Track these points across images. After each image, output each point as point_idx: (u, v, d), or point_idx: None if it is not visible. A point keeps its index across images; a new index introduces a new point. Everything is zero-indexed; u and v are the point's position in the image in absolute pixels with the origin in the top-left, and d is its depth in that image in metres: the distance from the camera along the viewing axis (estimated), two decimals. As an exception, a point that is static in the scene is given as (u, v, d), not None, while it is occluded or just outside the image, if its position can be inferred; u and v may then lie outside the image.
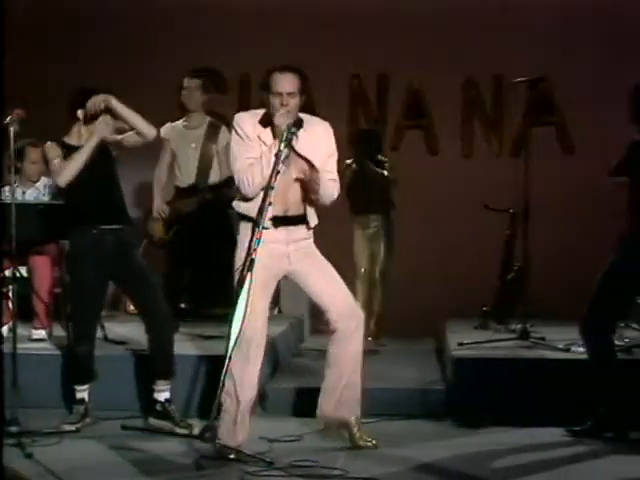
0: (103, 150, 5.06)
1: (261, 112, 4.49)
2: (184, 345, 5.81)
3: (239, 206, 4.53)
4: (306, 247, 4.55)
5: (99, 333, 5.51)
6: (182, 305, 6.69)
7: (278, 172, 4.30)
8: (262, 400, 5.51)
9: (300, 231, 4.53)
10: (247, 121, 4.47)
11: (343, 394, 4.62)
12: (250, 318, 4.27)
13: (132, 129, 5.01)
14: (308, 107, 7.84)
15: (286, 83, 4.39)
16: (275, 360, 6.03)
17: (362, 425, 4.72)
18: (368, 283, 6.71)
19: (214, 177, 6.40)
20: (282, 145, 4.29)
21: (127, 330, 6.19)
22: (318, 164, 4.45)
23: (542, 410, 5.20)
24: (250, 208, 4.44)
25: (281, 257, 4.47)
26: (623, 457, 4.60)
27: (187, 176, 6.41)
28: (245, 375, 4.46)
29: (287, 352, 6.45)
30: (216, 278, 6.44)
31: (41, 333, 6.05)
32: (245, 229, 4.48)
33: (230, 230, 6.22)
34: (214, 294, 6.69)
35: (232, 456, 4.45)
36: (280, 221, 4.47)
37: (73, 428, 5.06)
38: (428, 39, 7.74)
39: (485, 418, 5.07)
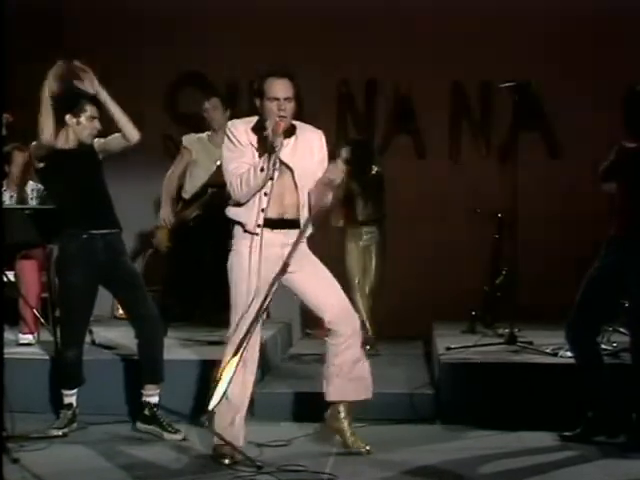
0: (90, 155, 5.05)
1: (254, 119, 4.48)
2: (179, 350, 5.84)
3: (229, 211, 4.54)
4: (301, 250, 4.52)
5: (87, 338, 5.47)
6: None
7: (271, 178, 4.33)
8: (251, 405, 5.51)
9: (294, 234, 4.48)
10: (240, 128, 4.46)
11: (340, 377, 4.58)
12: (244, 322, 4.34)
13: (117, 131, 4.99)
14: (296, 112, 7.94)
15: (282, 88, 4.38)
16: (264, 365, 5.91)
17: (355, 430, 4.72)
18: (360, 294, 6.57)
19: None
20: (272, 151, 4.30)
21: (115, 335, 6.18)
22: (310, 171, 4.46)
23: (530, 414, 5.20)
24: (240, 213, 4.46)
25: (276, 261, 4.43)
26: (613, 460, 4.60)
27: (195, 188, 6.37)
28: (239, 378, 4.44)
29: (276, 357, 6.45)
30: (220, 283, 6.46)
31: (28, 338, 6.03)
32: (238, 233, 4.50)
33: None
34: (220, 300, 6.67)
35: (227, 461, 4.45)
36: (276, 224, 4.46)
37: (60, 433, 5.04)
38: (416, 44, 7.73)
39: (473, 422, 5.06)
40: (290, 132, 4.43)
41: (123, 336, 5.92)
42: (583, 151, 7.32)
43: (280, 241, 4.46)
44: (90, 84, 4.88)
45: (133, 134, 4.95)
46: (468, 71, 7.75)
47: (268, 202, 4.38)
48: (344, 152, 6.19)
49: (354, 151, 6.59)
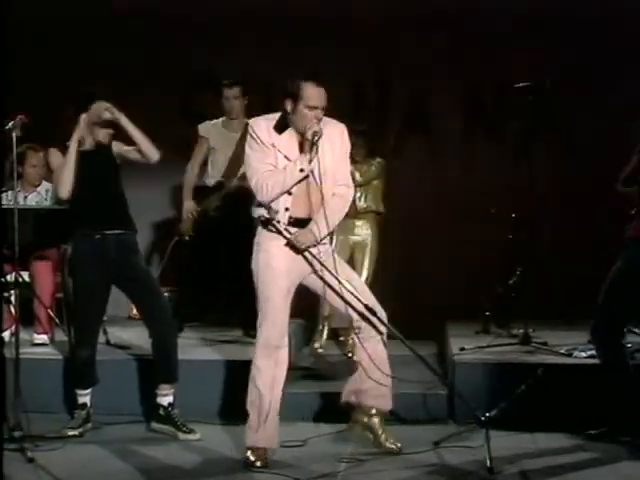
0: (107, 157, 5.07)
1: (276, 116, 4.47)
2: (194, 349, 5.86)
3: (255, 211, 4.54)
4: (326, 250, 4.53)
5: (102, 337, 5.54)
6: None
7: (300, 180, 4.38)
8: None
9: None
10: (262, 127, 4.45)
11: (367, 384, 4.59)
12: (272, 324, 4.41)
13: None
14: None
15: (321, 97, 4.38)
16: None
17: (386, 427, 4.73)
18: None
19: (240, 176, 6.26)
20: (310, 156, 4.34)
21: (130, 335, 6.21)
22: (332, 167, 4.46)
23: (545, 415, 5.20)
24: (265, 213, 4.47)
25: (301, 259, 4.46)
26: (630, 463, 4.58)
27: (218, 173, 6.34)
28: (269, 378, 4.48)
29: (291, 356, 6.41)
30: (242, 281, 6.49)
31: (43, 338, 6.06)
32: (264, 232, 4.48)
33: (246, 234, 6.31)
34: (232, 299, 6.71)
35: (258, 463, 4.47)
36: (303, 223, 4.45)
37: (76, 433, 5.08)
38: (429, 44, 7.68)
39: (487, 423, 5.04)
40: (320, 133, 4.41)
41: (138, 336, 5.95)
42: (599, 151, 7.36)
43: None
44: (110, 113, 4.96)
45: (153, 154, 5.01)
46: (483, 71, 7.68)
47: (292, 201, 4.40)
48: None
49: (354, 140, 6.47)
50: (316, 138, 4.32)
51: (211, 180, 6.38)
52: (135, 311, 6.06)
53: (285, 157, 4.42)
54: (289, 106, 4.42)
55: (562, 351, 5.65)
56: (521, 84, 6.09)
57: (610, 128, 7.37)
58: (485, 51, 7.62)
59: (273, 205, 4.44)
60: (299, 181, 4.40)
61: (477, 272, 7.23)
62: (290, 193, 4.40)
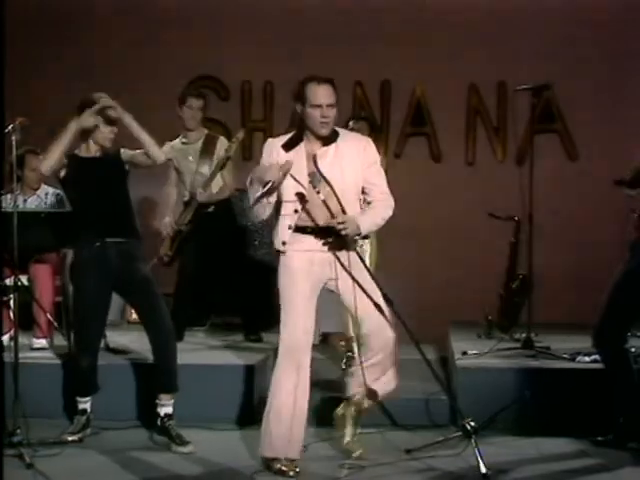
0: (114, 163, 5.06)
1: (289, 135, 4.49)
2: (199, 354, 5.91)
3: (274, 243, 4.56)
4: (350, 254, 4.48)
5: (101, 342, 5.48)
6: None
7: (302, 197, 4.38)
8: (262, 411, 5.51)
9: (343, 241, 4.45)
10: (271, 146, 4.48)
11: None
12: (293, 328, 4.39)
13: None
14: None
15: (325, 94, 4.37)
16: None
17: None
18: None
19: (217, 189, 6.40)
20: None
21: (129, 339, 6.19)
22: (352, 179, 4.44)
23: (547, 420, 5.21)
24: (275, 231, 4.51)
25: (323, 264, 4.47)
26: (633, 469, 4.58)
27: (190, 190, 6.41)
28: (290, 387, 4.44)
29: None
30: (231, 288, 6.53)
31: (42, 342, 6.05)
32: (282, 260, 4.49)
33: (238, 241, 6.35)
34: (233, 303, 6.74)
35: (277, 466, 4.46)
36: (323, 232, 4.45)
37: (75, 438, 5.07)
38: (431, 45, 7.70)
39: (490, 428, 5.04)
40: (331, 139, 4.44)
41: (136, 341, 5.94)
42: (601, 153, 7.39)
43: (325, 246, 4.46)
44: (114, 112, 4.95)
45: (158, 154, 5.00)
46: (484, 72, 7.70)
47: (297, 218, 4.42)
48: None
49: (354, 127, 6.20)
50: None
51: (185, 197, 6.43)
52: (134, 316, 6.07)
53: (290, 175, 4.38)
54: (299, 110, 4.43)
55: (565, 356, 5.65)
56: (523, 86, 6.08)
57: (614, 129, 7.38)
58: (487, 51, 7.63)
59: (281, 222, 4.46)
60: (269, 192, 4.33)
61: (479, 275, 7.23)
62: (296, 211, 4.38)
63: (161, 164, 5.11)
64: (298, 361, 4.42)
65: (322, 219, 4.43)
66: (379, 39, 7.75)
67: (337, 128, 4.50)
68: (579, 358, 5.54)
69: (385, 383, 4.63)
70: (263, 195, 4.32)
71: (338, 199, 4.37)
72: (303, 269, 4.43)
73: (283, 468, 4.44)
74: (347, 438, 4.73)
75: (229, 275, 6.43)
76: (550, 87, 6.39)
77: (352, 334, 5.81)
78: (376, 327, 4.47)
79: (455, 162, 7.88)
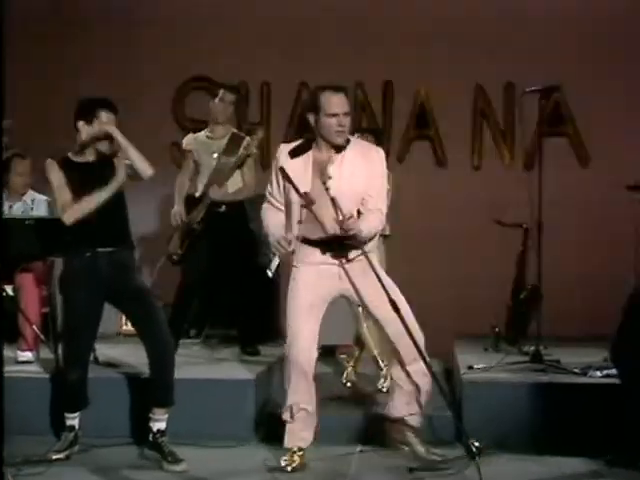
0: (109, 170, 5.03)
1: (297, 142, 4.68)
2: (194, 368, 5.91)
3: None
4: (362, 264, 4.58)
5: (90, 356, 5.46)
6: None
7: (306, 206, 4.53)
8: (259, 427, 5.55)
9: (354, 251, 4.60)
10: (282, 152, 4.67)
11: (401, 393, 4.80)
12: (294, 340, 4.62)
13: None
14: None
15: (340, 103, 4.53)
16: (274, 384, 5.98)
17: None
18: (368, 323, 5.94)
19: (235, 189, 6.41)
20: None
21: (120, 352, 6.17)
22: (356, 188, 4.58)
23: (557, 438, 5.20)
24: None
25: (331, 277, 4.63)
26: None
27: (203, 185, 6.43)
28: (303, 389, 4.73)
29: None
30: (232, 298, 6.55)
31: (27, 355, 6.03)
32: (297, 257, 4.67)
33: (247, 246, 6.39)
34: (229, 315, 6.77)
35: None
36: (331, 241, 4.58)
37: (61, 456, 5.06)
38: (436, 45, 7.71)
39: (496, 446, 5.03)
40: (343, 146, 4.59)
41: (128, 353, 5.94)
42: (615, 158, 7.38)
43: (335, 258, 4.61)
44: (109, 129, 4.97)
45: (146, 171, 4.99)
46: (491, 73, 7.71)
47: (321, 218, 4.54)
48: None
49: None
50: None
51: (197, 191, 6.45)
52: (125, 327, 6.06)
53: (290, 183, 4.55)
54: (312, 120, 4.57)
55: (576, 370, 5.64)
56: (532, 88, 6.07)
57: (627, 133, 7.39)
58: (493, 51, 7.63)
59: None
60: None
61: (486, 286, 7.22)
62: (300, 222, 4.56)
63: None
64: (302, 367, 4.67)
65: (329, 230, 4.56)
66: (380, 38, 7.76)
67: (351, 137, 4.69)
68: (591, 372, 5.52)
69: (427, 391, 4.79)
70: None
71: (341, 212, 4.51)
72: (308, 282, 4.61)
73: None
74: (420, 448, 4.82)
75: (233, 282, 6.43)
76: (560, 88, 6.45)
77: (373, 349, 6.02)
78: (401, 331, 4.54)
79: (460, 167, 7.87)
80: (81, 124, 4.98)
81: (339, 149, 4.58)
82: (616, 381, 5.03)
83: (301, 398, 4.72)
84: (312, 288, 4.60)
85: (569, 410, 5.28)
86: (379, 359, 6.04)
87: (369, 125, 7.76)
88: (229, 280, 6.42)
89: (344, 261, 4.61)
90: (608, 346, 4.95)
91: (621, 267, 5.06)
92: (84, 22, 7.87)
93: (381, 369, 6.02)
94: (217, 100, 6.45)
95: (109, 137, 4.98)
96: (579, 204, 7.47)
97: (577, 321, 6.89)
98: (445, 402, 4.82)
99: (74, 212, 4.93)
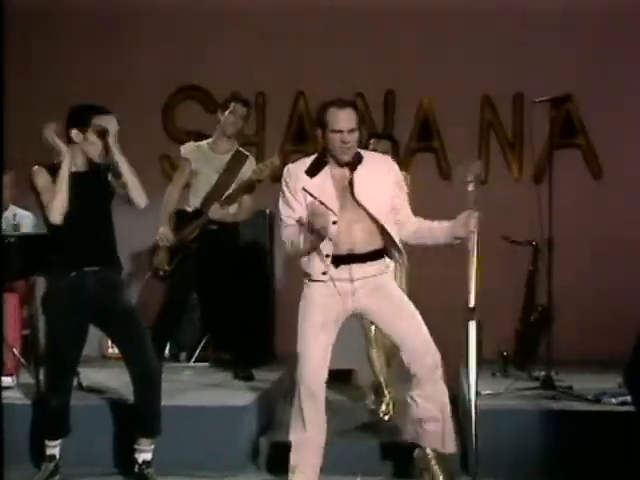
0: (99, 180, 4.99)
1: (311, 159, 4.71)
2: (184, 394, 5.88)
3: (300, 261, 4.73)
4: (376, 282, 4.69)
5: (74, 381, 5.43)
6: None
7: (334, 222, 4.58)
8: (255, 456, 5.54)
9: (368, 268, 4.68)
10: (292, 173, 4.69)
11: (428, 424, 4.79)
12: (305, 362, 4.64)
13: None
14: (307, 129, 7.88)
15: (346, 119, 4.57)
16: (269, 411, 6.04)
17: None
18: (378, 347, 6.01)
19: (233, 210, 6.42)
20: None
21: (104, 376, 6.16)
22: (381, 202, 4.69)
23: (569, 469, 5.18)
24: (304, 262, 4.69)
25: (344, 295, 4.67)
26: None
27: (198, 200, 6.42)
28: (313, 422, 4.69)
29: (284, 402, 6.33)
30: (223, 319, 6.55)
31: (7, 380, 5.98)
32: (306, 281, 4.72)
33: (237, 268, 6.41)
34: (219, 337, 6.82)
35: None
36: (344, 260, 4.64)
37: (41, 487, 5.01)
38: (440, 52, 7.75)
39: (506, 477, 4.99)
40: (356, 163, 4.65)
41: (113, 378, 5.90)
42: (629, 171, 7.42)
43: (348, 276, 4.66)
44: (111, 140, 4.92)
45: (140, 200, 4.97)
46: (499, 82, 7.73)
47: (332, 247, 4.60)
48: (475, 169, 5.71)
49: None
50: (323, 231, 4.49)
51: (191, 206, 6.43)
52: (110, 350, 6.02)
53: (319, 201, 4.60)
54: (320, 135, 4.64)
55: (589, 397, 5.63)
56: (542, 98, 6.08)
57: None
58: (501, 59, 7.67)
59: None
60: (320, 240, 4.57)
61: (493, 307, 7.06)
62: (331, 239, 4.59)
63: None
64: (311, 390, 4.66)
65: (343, 247, 4.62)
66: (382, 45, 7.79)
67: (360, 150, 4.72)
68: (605, 399, 5.52)
69: (445, 420, 4.79)
70: (312, 244, 4.56)
71: (377, 221, 4.65)
72: (320, 301, 4.66)
73: None
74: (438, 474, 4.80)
75: (224, 303, 6.43)
76: (571, 98, 6.46)
77: (381, 373, 6.02)
78: (420, 347, 4.67)
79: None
80: (74, 132, 4.93)
81: (353, 165, 4.65)
82: (632, 408, 4.98)
83: (310, 426, 4.71)
84: (323, 307, 4.66)
85: (582, 439, 5.26)
86: (384, 385, 6.03)
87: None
88: (220, 301, 6.41)
89: (358, 277, 4.66)
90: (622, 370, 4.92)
91: (637, 287, 5.01)
92: (69, 26, 7.92)
93: (384, 395, 6.00)
94: (227, 113, 6.41)
95: (104, 141, 4.93)
96: (592, 220, 7.49)
97: (590, 344, 6.89)
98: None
99: (55, 207, 4.87)
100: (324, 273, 4.61)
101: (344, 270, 4.64)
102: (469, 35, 7.71)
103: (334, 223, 4.57)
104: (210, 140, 6.50)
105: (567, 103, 7.07)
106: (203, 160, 6.41)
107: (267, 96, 8.01)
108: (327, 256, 4.60)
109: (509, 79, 7.69)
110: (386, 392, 6.02)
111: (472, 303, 4.79)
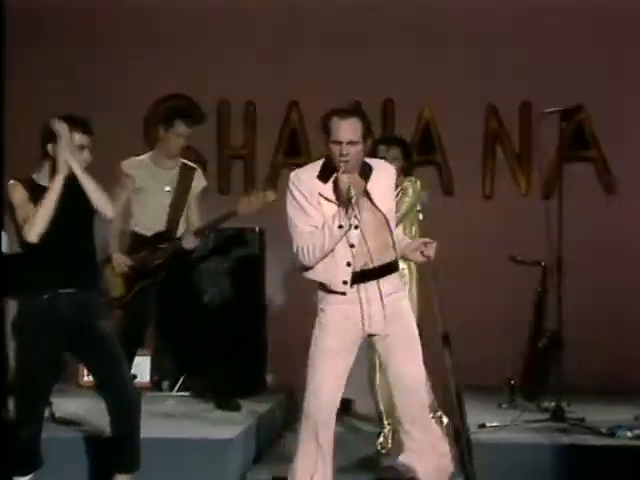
0: (78, 195, 4.91)
1: (319, 164, 4.71)
2: (163, 426, 5.86)
3: (308, 273, 4.69)
4: (394, 305, 4.68)
5: (46, 411, 5.40)
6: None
7: (356, 227, 4.59)
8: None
9: (385, 284, 4.66)
10: (304, 179, 4.67)
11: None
12: (313, 392, 4.62)
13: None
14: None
15: (348, 131, 4.58)
16: (257, 446, 6.00)
17: None
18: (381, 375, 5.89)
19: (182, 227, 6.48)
20: (348, 212, 4.55)
21: (78, 407, 6.14)
22: (392, 215, 4.72)
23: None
24: (320, 271, 4.65)
25: (359, 319, 4.65)
26: None
27: (154, 222, 6.41)
28: (311, 460, 4.65)
29: (273, 436, 6.43)
30: (189, 348, 6.55)
31: (-30, 411, 5.94)
32: (322, 295, 4.68)
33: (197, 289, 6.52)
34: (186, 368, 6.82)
35: None
36: (359, 278, 4.63)
37: (8, 527, 5.00)
38: (442, 58, 7.73)
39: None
40: (367, 173, 4.68)
41: (88, 409, 5.85)
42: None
43: (364, 296, 4.64)
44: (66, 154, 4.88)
45: (107, 210, 4.94)
46: (505, 91, 7.72)
47: (354, 255, 4.60)
48: (425, 197, 6.10)
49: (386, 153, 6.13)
50: (349, 192, 4.51)
51: (146, 229, 6.41)
52: (85, 378, 6.13)
53: (337, 205, 4.61)
54: (326, 142, 4.66)
55: (603, 430, 5.60)
56: (552, 109, 6.06)
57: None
58: (508, 66, 7.64)
59: (329, 260, 4.61)
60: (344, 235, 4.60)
61: (499, 332, 7.21)
62: (352, 245, 4.59)
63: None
64: (316, 435, 4.65)
65: (357, 264, 4.61)
66: (380, 51, 7.75)
67: (368, 160, 4.74)
68: (620, 433, 5.48)
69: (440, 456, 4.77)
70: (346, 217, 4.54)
71: (384, 234, 4.65)
72: (333, 326, 4.64)
73: None
74: None
75: (193, 329, 6.44)
76: (583, 108, 6.45)
77: (381, 404, 6.03)
78: (411, 393, 4.67)
79: (470, 195, 7.86)
80: (50, 147, 4.90)
81: (363, 176, 4.66)
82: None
83: (311, 465, 4.67)
84: (338, 332, 4.64)
85: (595, 477, 5.23)
86: (383, 415, 6.02)
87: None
88: (189, 326, 6.41)
89: (376, 298, 4.65)
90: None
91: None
92: (47, 30, 7.89)
93: (384, 427, 6.00)
94: (171, 134, 6.41)
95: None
96: (605, 238, 7.47)
97: (604, 372, 6.87)
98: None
99: (37, 224, 4.83)
100: (345, 282, 4.58)
101: (360, 290, 4.63)
102: (473, 40, 7.71)
103: (356, 227, 4.57)
104: (151, 154, 6.53)
105: (578, 114, 7.05)
106: (148, 176, 6.42)
107: (257, 105, 7.99)
108: (348, 264, 4.58)
109: (516, 87, 7.68)
110: (385, 423, 6.01)
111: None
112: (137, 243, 6.42)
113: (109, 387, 5.01)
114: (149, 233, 6.41)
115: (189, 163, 6.55)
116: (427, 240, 4.76)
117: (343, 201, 4.54)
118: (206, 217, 6.42)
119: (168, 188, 6.39)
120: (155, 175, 6.42)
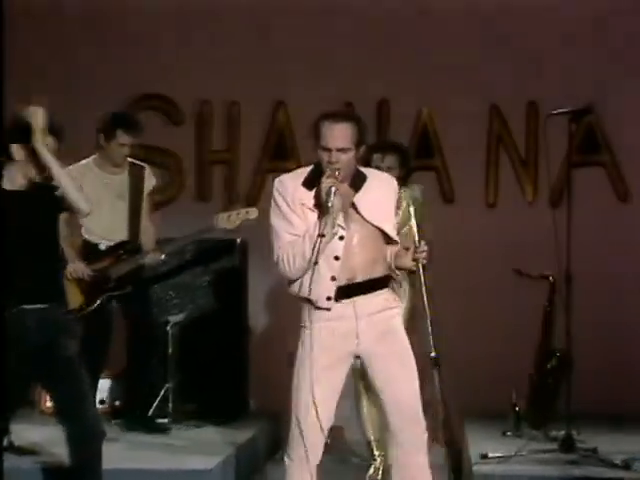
0: (46, 199, 4.81)
1: (306, 170, 4.66)
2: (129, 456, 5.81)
3: (291, 287, 4.66)
4: (385, 322, 4.61)
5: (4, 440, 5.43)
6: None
7: (341, 238, 4.53)
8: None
9: (374, 300, 4.60)
10: (288, 186, 4.62)
11: None
12: (297, 421, 4.54)
13: None
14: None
15: (338, 137, 4.54)
16: (237, 477, 5.93)
17: None
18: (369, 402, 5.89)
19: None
20: (327, 220, 4.49)
21: (40, 435, 6.11)
22: (389, 223, 4.67)
23: None
24: (303, 287, 4.57)
25: (347, 336, 4.58)
26: None
27: (110, 232, 6.40)
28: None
29: (256, 466, 6.40)
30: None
31: None
32: (306, 311, 4.61)
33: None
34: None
35: None
36: (344, 292, 4.56)
37: None
38: (442, 56, 7.65)
39: None
40: (359, 183, 4.63)
41: (50, 437, 5.77)
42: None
43: (351, 312, 4.57)
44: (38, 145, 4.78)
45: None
46: (509, 90, 7.68)
47: (339, 269, 4.56)
48: (416, 190, 5.87)
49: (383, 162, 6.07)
50: (329, 198, 4.45)
51: (90, 233, 6.40)
52: (48, 404, 6.15)
53: (318, 216, 4.59)
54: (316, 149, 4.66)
55: (617, 461, 5.54)
56: (561, 110, 6.03)
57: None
58: (512, 64, 7.60)
59: (315, 275, 4.51)
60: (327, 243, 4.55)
61: (504, 352, 7.15)
62: (337, 258, 4.55)
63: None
64: (305, 462, 4.57)
65: (342, 278, 4.55)
66: (374, 48, 7.71)
67: (362, 169, 4.70)
68: (636, 465, 5.44)
69: None
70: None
71: (376, 247, 4.60)
72: (319, 344, 4.53)
73: None
74: None
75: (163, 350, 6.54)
76: (593, 109, 6.33)
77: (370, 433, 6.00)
78: (409, 420, 4.57)
79: (472, 203, 7.79)
80: (15, 148, 4.79)
81: (353, 184, 4.61)
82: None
83: None
84: (324, 349, 4.54)
85: None
86: (373, 445, 5.97)
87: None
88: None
89: (364, 314, 4.58)
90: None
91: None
92: (20, 26, 7.55)
93: (374, 458, 5.94)
94: (112, 144, 6.42)
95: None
96: (618, 249, 7.43)
97: (618, 398, 6.83)
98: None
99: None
100: (329, 298, 4.52)
101: (347, 306, 4.56)
102: (475, 36, 7.65)
103: (341, 239, 4.53)
104: (95, 159, 6.53)
105: (588, 115, 6.89)
106: (96, 185, 6.38)
107: (242, 106, 7.90)
108: (333, 278, 4.51)
109: (521, 87, 7.65)
110: (376, 454, 5.93)
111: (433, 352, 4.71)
112: (91, 252, 6.38)
113: (69, 413, 4.86)
114: (105, 242, 6.42)
115: (136, 162, 6.57)
116: (419, 244, 4.69)
117: (322, 207, 4.50)
118: (181, 229, 6.43)
119: (118, 193, 6.42)
120: (104, 182, 6.45)
